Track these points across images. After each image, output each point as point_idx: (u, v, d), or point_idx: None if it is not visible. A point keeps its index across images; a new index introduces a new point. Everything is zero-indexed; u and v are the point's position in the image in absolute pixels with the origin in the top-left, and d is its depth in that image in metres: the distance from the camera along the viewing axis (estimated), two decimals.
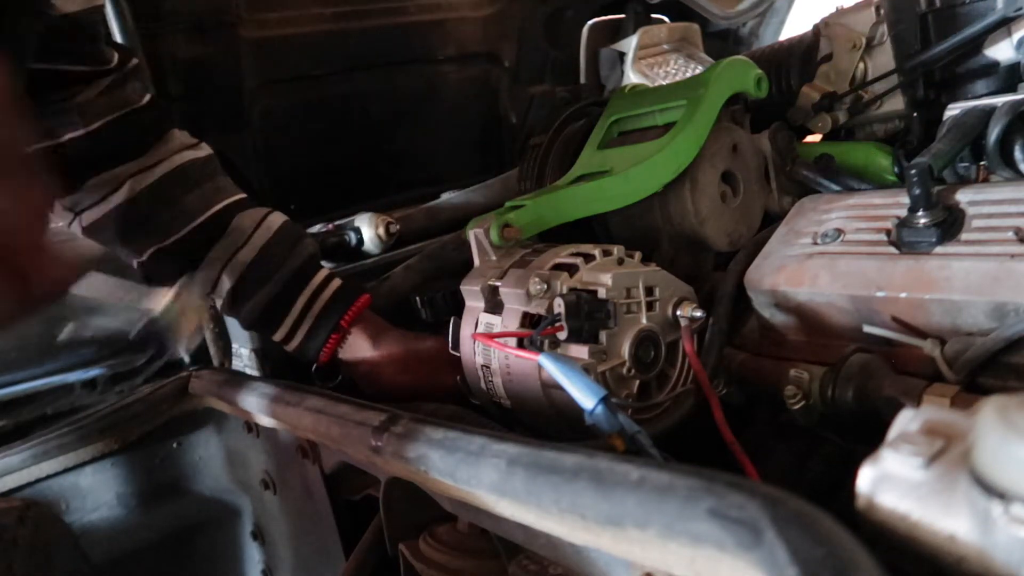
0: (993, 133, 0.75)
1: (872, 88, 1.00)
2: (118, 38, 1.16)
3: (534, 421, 0.71)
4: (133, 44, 1.17)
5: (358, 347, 0.93)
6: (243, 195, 0.94)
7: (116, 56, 0.89)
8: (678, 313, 0.71)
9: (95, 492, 0.93)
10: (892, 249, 0.67)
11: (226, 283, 0.90)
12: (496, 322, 0.72)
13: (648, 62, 1.59)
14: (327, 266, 1.27)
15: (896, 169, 0.95)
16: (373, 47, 1.50)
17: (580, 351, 0.65)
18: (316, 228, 1.36)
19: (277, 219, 0.94)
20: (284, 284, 0.91)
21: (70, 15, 0.79)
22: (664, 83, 1.41)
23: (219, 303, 0.93)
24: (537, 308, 0.68)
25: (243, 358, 1.05)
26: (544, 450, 0.44)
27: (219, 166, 0.95)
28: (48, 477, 0.89)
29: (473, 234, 0.77)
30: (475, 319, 0.74)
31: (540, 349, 0.65)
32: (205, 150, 0.94)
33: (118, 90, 0.88)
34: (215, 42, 1.31)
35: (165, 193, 0.88)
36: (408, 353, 0.92)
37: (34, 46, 0.72)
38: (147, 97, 0.91)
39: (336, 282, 0.94)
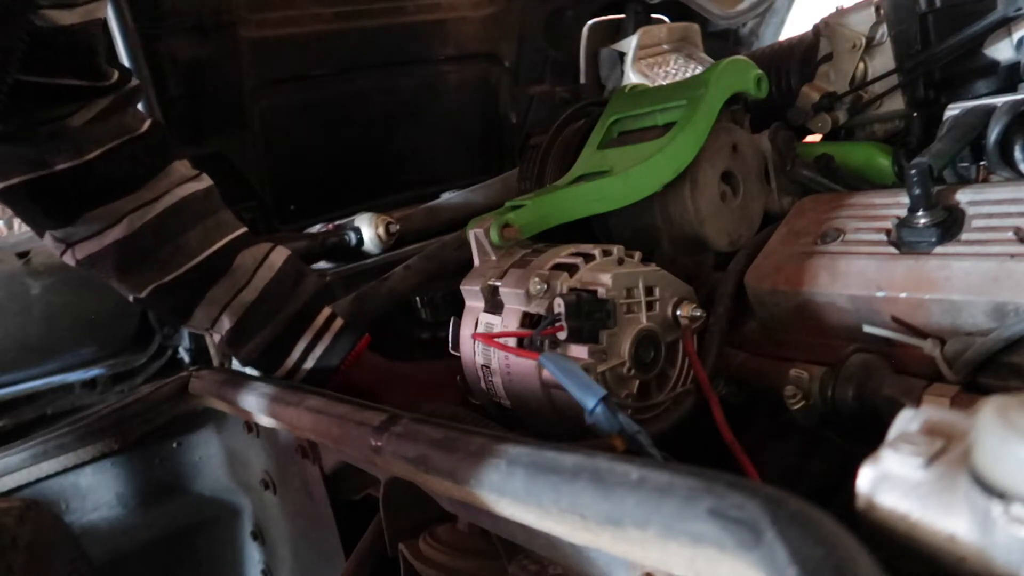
0: (993, 133, 0.75)
1: (872, 88, 1.00)
2: (118, 39, 1.16)
3: (534, 421, 0.71)
4: (133, 44, 1.17)
5: (359, 388, 0.91)
6: (244, 229, 0.92)
7: (116, 74, 0.85)
8: (678, 313, 0.71)
9: (95, 492, 0.93)
10: (892, 249, 0.67)
11: (226, 323, 0.89)
12: (496, 322, 0.72)
13: (648, 62, 1.59)
14: (327, 267, 1.27)
15: (896, 169, 0.95)
16: (373, 47, 1.50)
17: (580, 351, 0.65)
18: (316, 228, 1.36)
19: (279, 256, 0.92)
20: (285, 326, 0.90)
21: (65, 28, 0.75)
22: (664, 83, 1.40)
23: (216, 339, 0.92)
24: (537, 308, 0.68)
25: None
26: (544, 450, 0.44)
27: (220, 198, 0.92)
28: (48, 477, 0.90)
29: (473, 234, 0.77)
30: (475, 319, 0.74)
31: (540, 349, 0.65)
32: (206, 182, 0.91)
33: (116, 115, 0.84)
34: (215, 42, 1.31)
35: (166, 229, 0.86)
36: (408, 388, 0.91)
37: (17, 58, 0.68)
38: (147, 124, 0.87)
39: (338, 323, 0.93)
